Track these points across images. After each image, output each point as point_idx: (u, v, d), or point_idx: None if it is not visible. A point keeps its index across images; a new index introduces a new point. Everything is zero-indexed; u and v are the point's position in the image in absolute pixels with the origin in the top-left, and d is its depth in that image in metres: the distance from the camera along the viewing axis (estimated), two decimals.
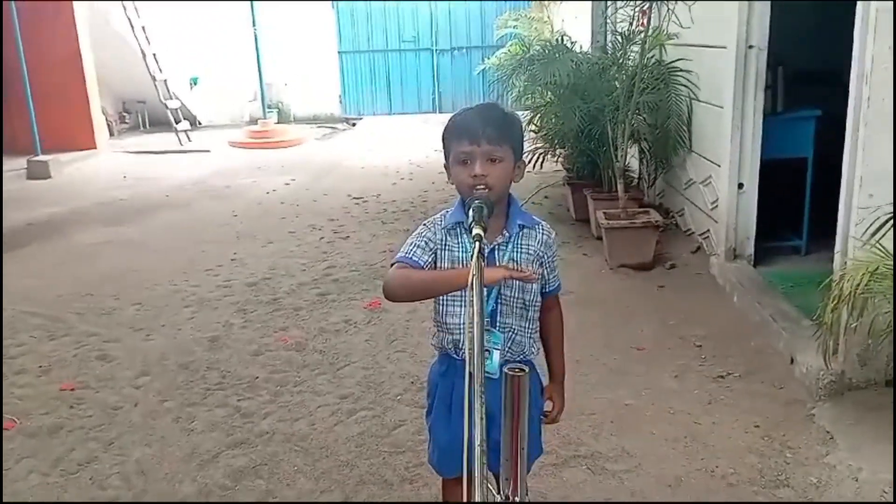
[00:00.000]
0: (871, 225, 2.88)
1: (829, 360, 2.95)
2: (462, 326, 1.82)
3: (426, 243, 1.82)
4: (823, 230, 3.68)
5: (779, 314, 3.80)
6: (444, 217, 1.85)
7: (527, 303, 1.86)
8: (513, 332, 1.86)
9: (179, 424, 3.22)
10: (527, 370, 1.23)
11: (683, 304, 4.34)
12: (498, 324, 1.84)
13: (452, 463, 1.78)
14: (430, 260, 1.81)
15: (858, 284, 2.64)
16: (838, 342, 3.01)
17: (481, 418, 1.13)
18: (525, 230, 1.85)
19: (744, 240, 4.59)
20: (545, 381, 2.05)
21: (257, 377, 3.63)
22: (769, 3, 4.24)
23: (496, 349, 1.82)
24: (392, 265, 1.81)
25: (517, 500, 1.23)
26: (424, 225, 1.88)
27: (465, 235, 1.80)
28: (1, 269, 5.33)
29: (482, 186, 1.71)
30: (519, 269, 1.75)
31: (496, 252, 1.82)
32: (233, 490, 2.74)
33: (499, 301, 1.83)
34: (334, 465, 2.88)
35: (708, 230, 5.00)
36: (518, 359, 1.87)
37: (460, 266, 1.79)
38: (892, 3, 2.88)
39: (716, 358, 3.64)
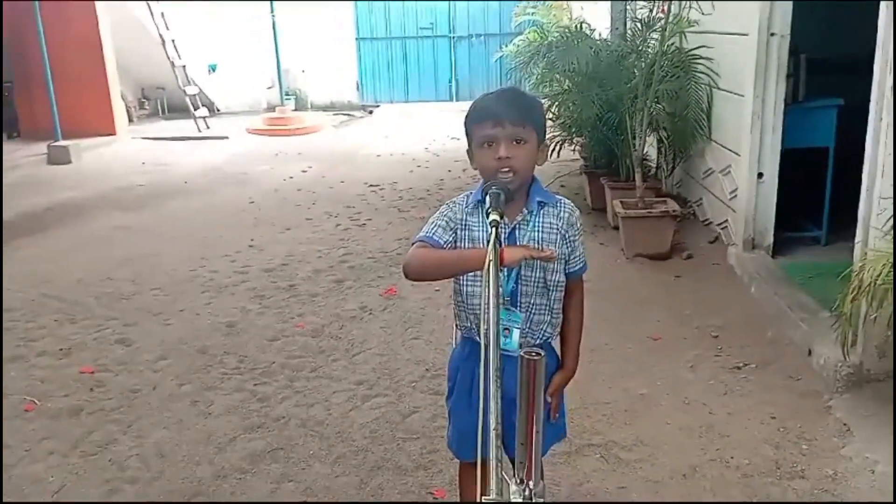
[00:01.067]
0: (893, 215, 2.84)
1: (848, 351, 2.93)
2: (482, 306, 1.82)
3: (447, 223, 1.83)
4: (843, 221, 3.64)
5: (797, 305, 3.77)
6: (467, 198, 1.86)
7: (548, 282, 1.85)
8: (532, 312, 1.85)
9: (197, 408, 3.26)
10: (543, 354, 1.22)
11: (700, 295, 4.31)
12: (519, 303, 1.83)
13: (472, 446, 1.78)
14: (450, 239, 1.82)
15: (879, 275, 2.62)
16: (857, 333, 2.99)
17: (497, 403, 1.13)
18: (546, 207, 1.84)
19: (763, 230, 4.55)
20: None
21: (274, 362, 3.66)
22: None
23: (516, 328, 1.81)
24: (413, 244, 1.82)
25: (531, 484, 1.23)
26: (447, 205, 1.88)
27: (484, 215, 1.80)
28: (1, 256, 5.40)
29: (507, 169, 1.71)
30: (539, 248, 1.75)
31: (517, 230, 1.81)
32: (249, 473, 2.77)
33: (519, 281, 1.83)
34: (349, 450, 2.90)
35: (726, 220, 4.96)
36: (538, 339, 1.87)
37: (480, 246, 1.79)
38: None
39: (732, 348, 3.62)
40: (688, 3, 4.83)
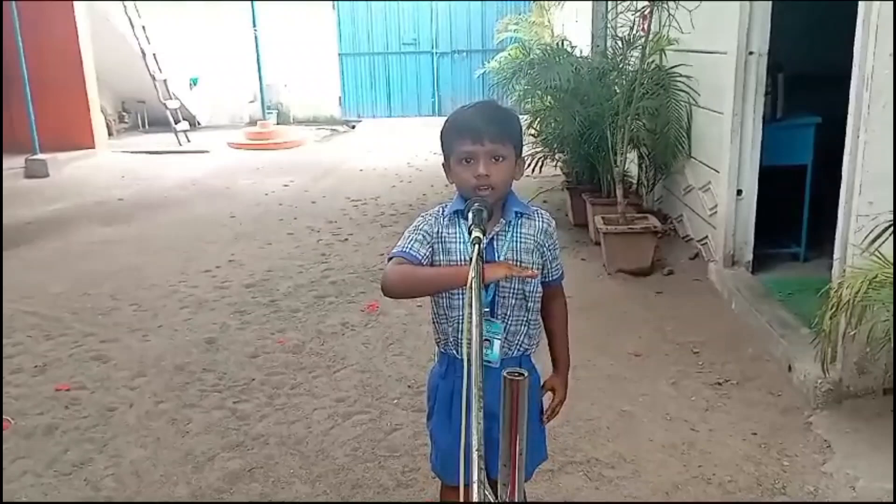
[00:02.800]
0: (870, 232, 2.87)
1: (827, 367, 2.95)
2: (461, 319, 1.80)
3: (424, 237, 1.80)
4: (822, 237, 3.68)
5: (777, 321, 3.80)
6: (443, 209, 1.84)
7: (527, 294, 1.84)
8: (509, 323, 1.84)
9: (175, 426, 3.21)
10: (526, 374, 1.21)
11: (681, 311, 4.33)
12: (497, 314, 1.82)
13: (456, 467, 1.76)
14: (427, 253, 1.79)
15: (857, 292, 2.64)
16: (836, 350, 3.00)
17: (479, 424, 1.12)
18: (523, 218, 1.83)
19: (742, 246, 4.58)
20: (545, 377, 2.02)
21: (254, 379, 3.62)
22: (769, 9, 4.24)
23: (496, 338, 1.81)
24: (389, 259, 1.79)
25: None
26: (421, 217, 1.86)
27: (462, 225, 1.79)
28: (1, 270, 5.32)
29: (486, 187, 1.71)
30: (520, 266, 1.74)
31: (495, 241, 1.80)
32: (228, 493, 2.73)
33: (497, 292, 1.82)
34: (330, 468, 2.86)
35: (706, 236, 4.99)
36: (517, 351, 1.86)
37: (457, 258, 1.78)
38: (892, 4, 2.87)
39: (713, 365, 3.63)
40: (668, 20, 4.88)
